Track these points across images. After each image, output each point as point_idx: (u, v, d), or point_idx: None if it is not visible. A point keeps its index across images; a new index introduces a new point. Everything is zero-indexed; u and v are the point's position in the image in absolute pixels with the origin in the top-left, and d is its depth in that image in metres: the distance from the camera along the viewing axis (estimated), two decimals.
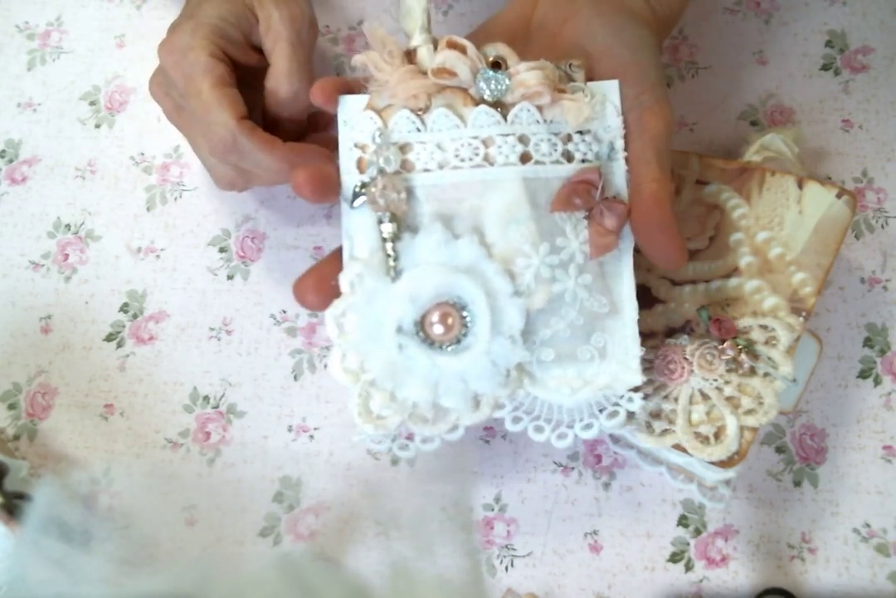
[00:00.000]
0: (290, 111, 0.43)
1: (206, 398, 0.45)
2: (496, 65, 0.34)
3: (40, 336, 0.48)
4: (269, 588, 0.30)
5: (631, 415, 0.35)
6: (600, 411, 0.35)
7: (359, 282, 0.34)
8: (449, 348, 0.33)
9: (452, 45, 0.34)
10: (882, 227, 0.45)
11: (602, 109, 0.35)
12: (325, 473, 0.43)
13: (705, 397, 0.37)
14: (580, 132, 0.35)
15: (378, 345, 0.33)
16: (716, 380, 0.37)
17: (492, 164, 0.34)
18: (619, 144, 0.35)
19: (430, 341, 0.33)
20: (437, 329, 0.33)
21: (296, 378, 0.45)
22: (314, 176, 0.34)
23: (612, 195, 0.35)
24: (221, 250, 0.49)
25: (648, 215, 0.34)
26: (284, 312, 0.47)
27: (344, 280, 0.34)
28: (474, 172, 0.34)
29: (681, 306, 0.39)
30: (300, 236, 0.48)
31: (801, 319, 0.37)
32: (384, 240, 0.34)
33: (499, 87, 0.34)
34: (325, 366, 0.45)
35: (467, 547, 0.32)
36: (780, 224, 0.40)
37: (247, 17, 0.42)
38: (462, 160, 0.34)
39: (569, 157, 0.35)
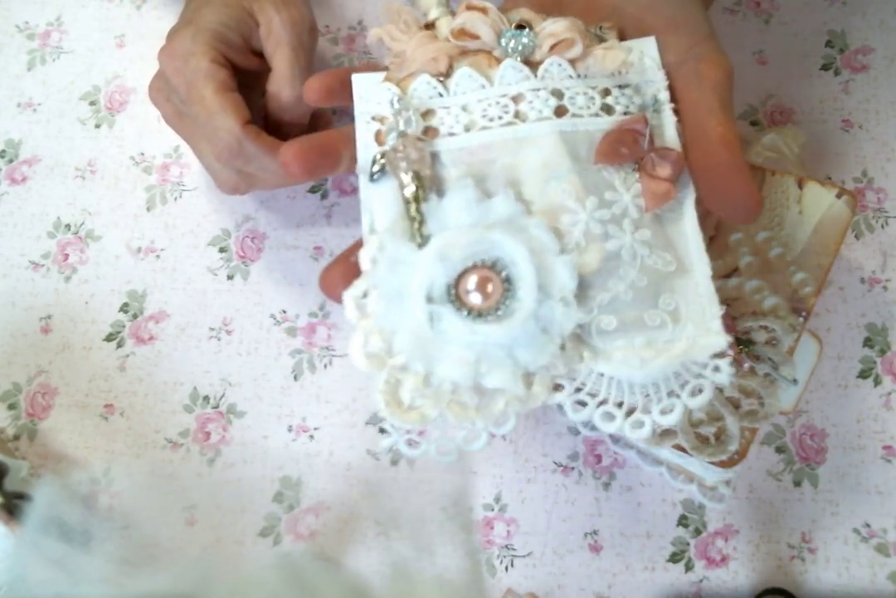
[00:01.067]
0: (293, 115, 0.42)
1: (206, 398, 0.45)
2: (520, 28, 0.32)
3: (40, 336, 0.48)
4: (269, 588, 0.30)
5: (719, 387, 0.29)
6: (681, 386, 0.29)
7: (381, 253, 0.29)
8: (489, 318, 0.28)
9: (472, 8, 0.31)
10: (882, 227, 0.45)
11: (641, 64, 0.32)
12: (325, 473, 0.43)
13: None
14: (619, 86, 0.32)
15: (405, 318, 0.29)
16: None
17: (524, 120, 0.31)
18: (664, 95, 0.32)
19: (466, 311, 0.28)
20: (475, 298, 0.28)
21: (296, 378, 0.45)
22: (302, 149, 0.32)
23: (661, 146, 0.32)
24: (221, 250, 0.49)
25: (717, 158, 0.31)
26: (284, 312, 0.47)
27: (364, 257, 0.29)
28: (505, 130, 0.31)
29: None
30: (300, 236, 0.48)
31: (802, 319, 0.37)
32: (407, 203, 0.29)
33: (525, 43, 0.31)
34: (325, 366, 0.45)
35: (467, 547, 0.32)
36: (780, 224, 0.40)
37: (246, 21, 0.42)
38: (490, 120, 0.31)
39: (608, 110, 0.31)
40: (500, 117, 0.31)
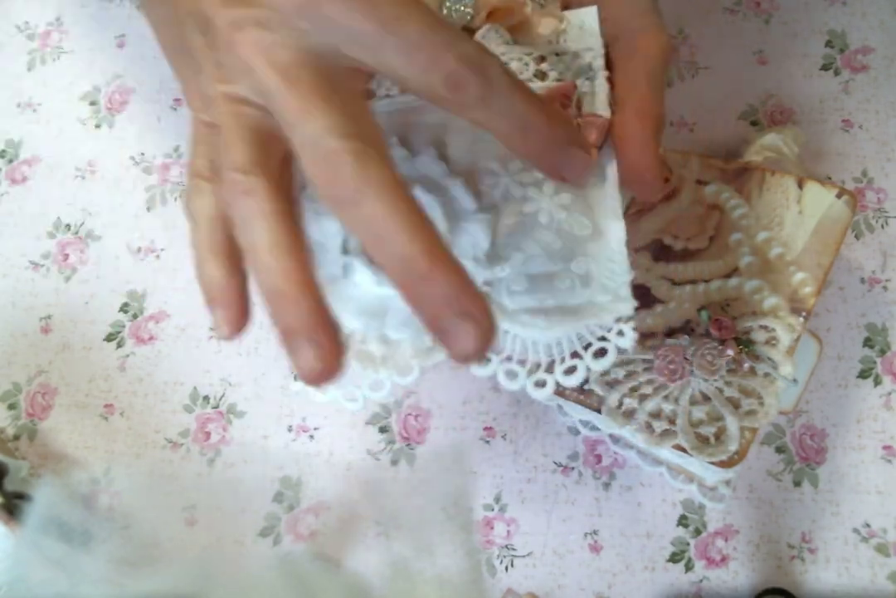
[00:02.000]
0: None
1: (206, 398, 0.45)
2: None
3: (40, 336, 0.48)
4: (269, 588, 0.30)
5: (622, 352, 0.30)
6: (585, 348, 0.30)
7: (308, 205, 0.30)
8: None
9: None
10: (882, 227, 0.45)
11: (580, 33, 0.33)
12: (325, 473, 0.43)
13: (706, 397, 0.37)
14: (557, 54, 0.33)
15: (322, 268, 0.30)
16: (716, 380, 0.37)
17: None
18: (599, 63, 0.33)
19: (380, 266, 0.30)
20: None
21: (296, 378, 0.45)
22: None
23: (589, 113, 0.32)
24: None
25: (628, 130, 0.31)
26: None
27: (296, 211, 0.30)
28: None
29: (681, 306, 0.39)
30: None
31: (801, 319, 0.37)
32: None
33: (465, 11, 0.32)
34: None
35: (467, 547, 0.32)
36: (780, 224, 0.40)
37: None
38: None
39: (542, 76, 0.32)
40: None
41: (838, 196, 0.40)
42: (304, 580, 0.31)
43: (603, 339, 0.30)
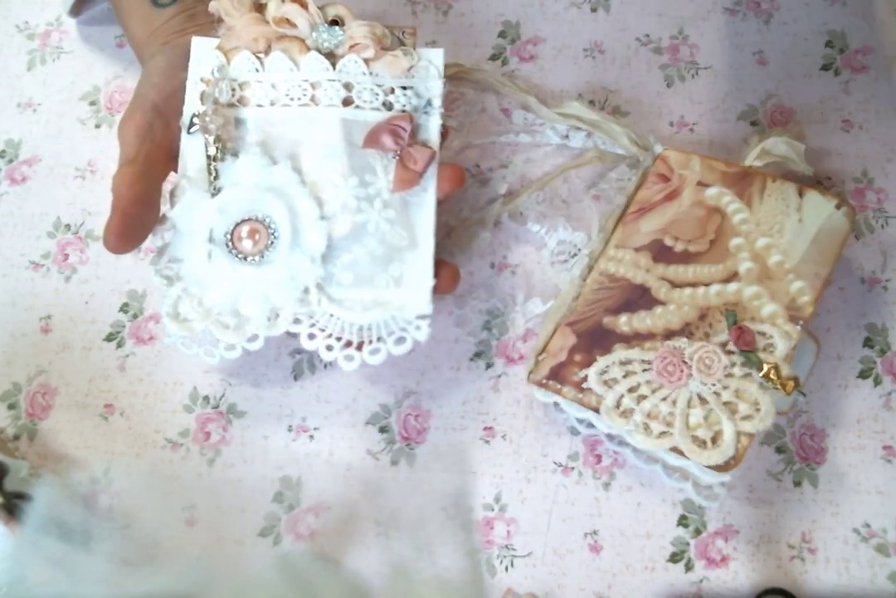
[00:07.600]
0: None
1: (206, 398, 0.45)
2: (334, 23, 0.40)
3: (40, 336, 0.48)
4: (269, 588, 0.30)
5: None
6: (389, 334, 0.38)
7: (181, 196, 0.39)
8: (254, 261, 0.37)
9: (295, 0, 0.39)
10: (882, 227, 0.45)
11: (426, 71, 0.40)
12: (325, 473, 0.43)
13: (703, 401, 0.37)
14: (403, 87, 0.40)
15: (191, 251, 0.38)
16: (714, 384, 0.37)
17: (317, 104, 0.39)
18: (437, 102, 0.40)
19: (237, 254, 0.37)
20: (246, 244, 0.37)
21: (296, 378, 0.45)
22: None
23: (422, 142, 0.40)
24: None
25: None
26: None
27: (171, 196, 0.39)
28: (300, 109, 0.39)
29: (680, 308, 0.39)
30: None
31: (799, 327, 0.37)
32: (208, 159, 0.39)
33: (332, 40, 0.39)
34: (326, 366, 0.45)
35: (467, 547, 0.32)
36: (780, 231, 0.40)
37: None
38: (291, 99, 0.39)
39: (389, 106, 0.40)
40: (299, 98, 0.39)
41: (837, 207, 0.40)
42: (304, 580, 0.31)
43: (404, 330, 0.38)
